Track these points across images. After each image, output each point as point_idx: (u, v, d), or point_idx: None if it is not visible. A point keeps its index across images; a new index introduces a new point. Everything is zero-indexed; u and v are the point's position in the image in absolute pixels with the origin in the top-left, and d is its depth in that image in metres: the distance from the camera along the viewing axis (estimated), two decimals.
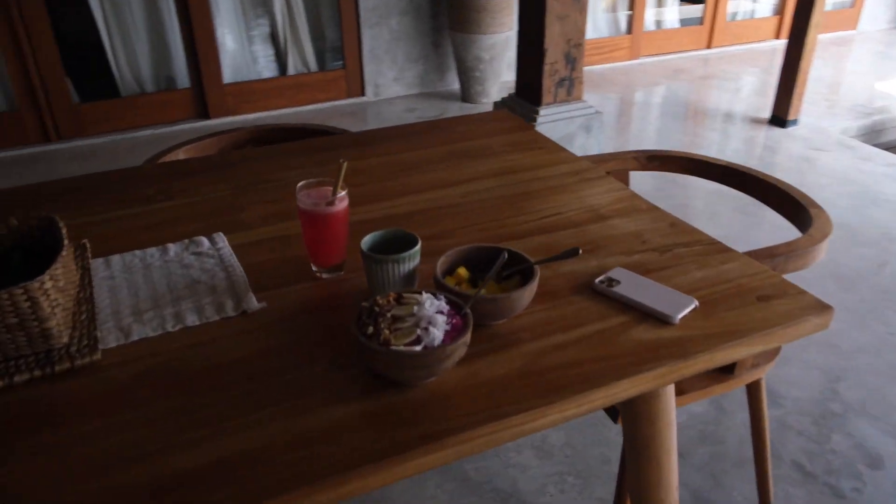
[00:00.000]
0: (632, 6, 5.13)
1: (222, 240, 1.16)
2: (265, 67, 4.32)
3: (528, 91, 3.29)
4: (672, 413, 1.05)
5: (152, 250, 1.13)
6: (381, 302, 0.86)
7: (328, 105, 4.41)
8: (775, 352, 1.42)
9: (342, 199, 1.03)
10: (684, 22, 5.46)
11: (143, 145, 3.78)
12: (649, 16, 5.29)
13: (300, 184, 1.04)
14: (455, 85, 4.70)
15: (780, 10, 5.70)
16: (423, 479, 1.71)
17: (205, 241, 1.16)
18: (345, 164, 1.03)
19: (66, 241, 0.94)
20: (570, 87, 3.24)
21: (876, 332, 2.25)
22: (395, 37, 4.41)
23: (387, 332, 0.81)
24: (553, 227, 1.21)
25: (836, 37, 5.91)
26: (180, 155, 1.68)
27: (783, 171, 3.49)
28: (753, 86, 4.76)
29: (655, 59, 5.32)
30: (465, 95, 4.47)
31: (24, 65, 3.62)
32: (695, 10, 5.44)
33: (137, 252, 1.13)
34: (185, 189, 1.38)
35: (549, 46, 3.09)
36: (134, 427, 0.78)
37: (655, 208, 1.27)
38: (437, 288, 0.93)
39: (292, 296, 1.02)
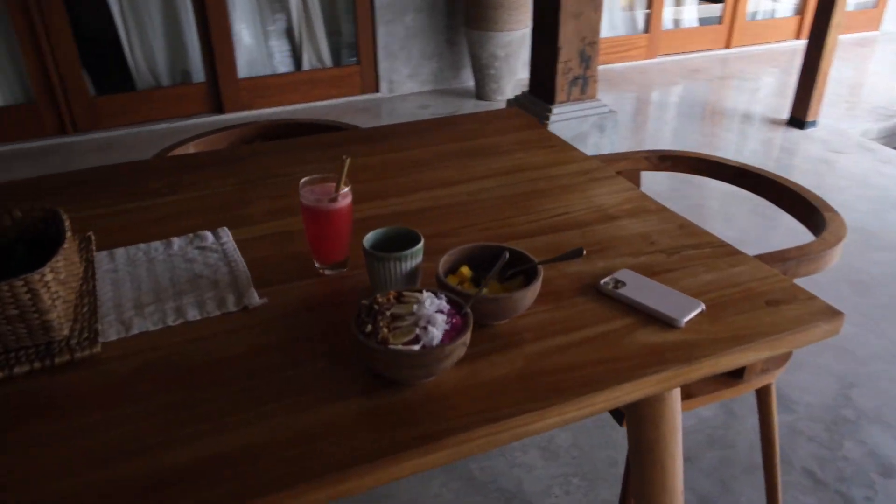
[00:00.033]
0: (650, 5, 5.09)
1: (226, 234, 1.16)
2: (280, 62, 4.33)
3: (542, 89, 3.26)
4: (678, 417, 1.03)
5: (156, 244, 1.14)
6: (380, 300, 0.85)
7: (342, 101, 4.41)
8: (786, 356, 1.39)
9: (345, 196, 1.02)
10: (703, 21, 5.41)
11: (158, 138, 3.81)
12: (667, 14, 5.25)
13: (303, 180, 1.04)
14: (470, 82, 4.68)
15: (800, 10, 5.63)
16: (428, 477, 1.71)
17: (209, 235, 1.16)
18: (347, 161, 1.02)
19: (68, 234, 0.94)
20: (584, 86, 3.21)
21: (892, 338, 2.21)
22: (409, 33, 4.41)
23: (385, 330, 0.80)
24: (560, 227, 1.19)
25: (858, 37, 5.82)
26: (190, 149, 1.68)
27: (801, 173, 3.44)
28: (772, 86, 4.70)
29: (673, 58, 5.27)
30: (480, 93, 4.45)
31: (41, 59, 3.66)
32: (714, 10, 5.39)
33: (142, 245, 1.13)
34: (193, 183, 1.38)
35: (564, 44, 3.06)
36: (134, 420, 0.78)
37: (665, 209, 1.25)
38: (439, 287, 0.92)
39: (294, 292, 1.02)
